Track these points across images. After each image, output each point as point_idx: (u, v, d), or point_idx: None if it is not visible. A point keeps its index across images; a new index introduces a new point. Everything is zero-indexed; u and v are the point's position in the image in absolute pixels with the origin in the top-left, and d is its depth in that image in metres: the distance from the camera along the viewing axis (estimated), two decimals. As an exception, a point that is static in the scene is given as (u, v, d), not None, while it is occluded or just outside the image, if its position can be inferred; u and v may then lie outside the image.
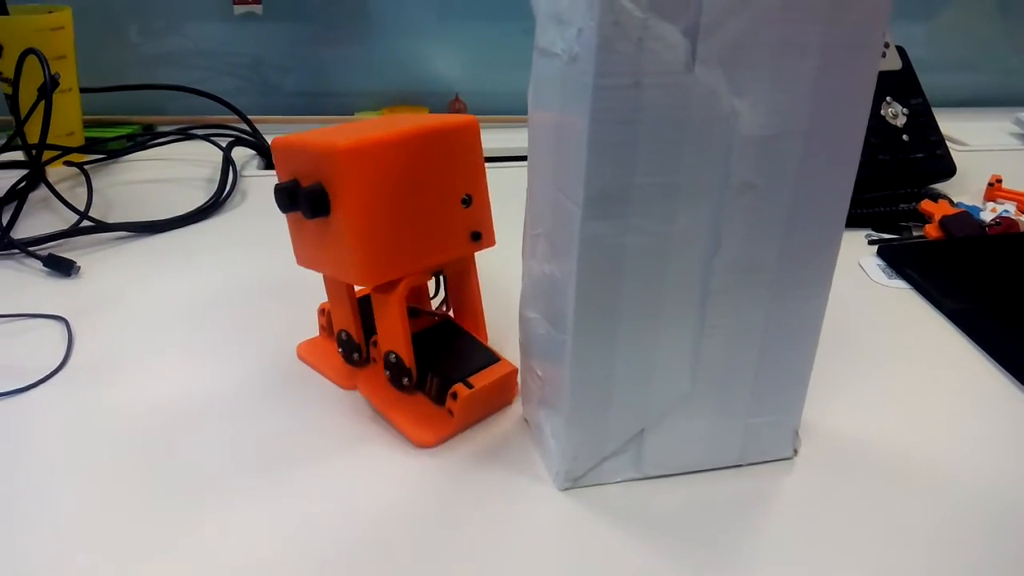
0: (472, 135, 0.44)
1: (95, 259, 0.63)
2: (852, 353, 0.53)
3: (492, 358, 0.45)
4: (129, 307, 0.56)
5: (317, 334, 0.53)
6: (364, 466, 0.42)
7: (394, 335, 0.44)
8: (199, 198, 0.73)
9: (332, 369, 0.49)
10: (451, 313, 0.50)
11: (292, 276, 0.61)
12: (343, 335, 0.48)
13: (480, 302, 0.49)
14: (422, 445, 0.43)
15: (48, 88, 0.61)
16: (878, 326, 0.57)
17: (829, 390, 0.49)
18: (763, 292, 0.38)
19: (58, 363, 0.50)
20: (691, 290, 0.37)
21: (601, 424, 0.39)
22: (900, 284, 0.62)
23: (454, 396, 0.43)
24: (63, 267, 0.60)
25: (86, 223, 0.66)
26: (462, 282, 0.49)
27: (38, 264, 0.60)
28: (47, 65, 0.63)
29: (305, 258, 0.47)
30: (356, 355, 0.48)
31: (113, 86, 0.87)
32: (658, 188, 0.34)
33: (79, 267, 0.60)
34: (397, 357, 0.44)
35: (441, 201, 0.44)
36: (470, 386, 0.43)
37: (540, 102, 0.37)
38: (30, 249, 0.62)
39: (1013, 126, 0.98)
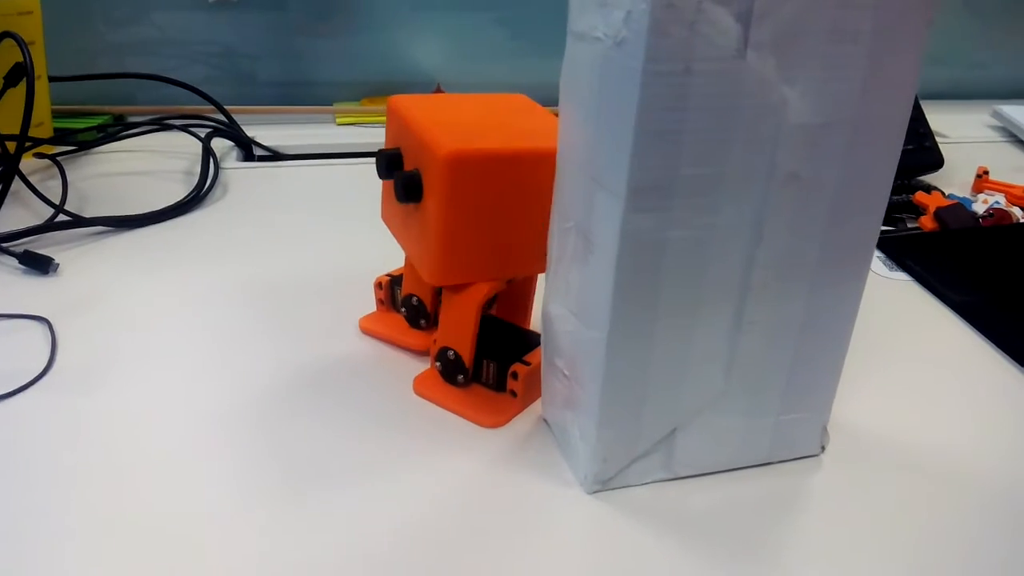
0: None
1: (73, 255, 0.59)
2: (864, 347, 0.52)
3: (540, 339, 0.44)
4: (114, 306, 0.53)
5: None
6: (380, 480, 0.40)
7: (461, 335, 0.44)
8: (178, 191, 0.70)
9: (403, 335, 0.49)
10: (492, 310, 0.50)
11: (283, 271, 0.58)
12: (414, 300, 0.48)
13: (532, 302, 0.50)
14: (490, 427, 0.44)
15: (29, 74, 0.58)
16: (885, 319, 0.56)
17: (846, 384, 0.48)
18: (802, 286, 0.37)
19: (43, 367, 0.47)
20: (731, 285, 0.36)
21: (633, 425, 0.38)
22: (902, 276, 0.62)
23: (514, 376, 0.44)
24: (40, 264, 0.57)
25: (62, 218, 0.62)
26: (522, 285, 0.49)
27: (13, 261, 0.57)
28: (27, 49, 0.60)
29: (390, 221, 0.48)
30: (423, 321, 0.49)
31: (83, 75, 0.83)
32: (704, 179, 0.33)
33: (57, 264, 0.57)
34: (456, 355, 0.44)
35: (530, 218, 0.42)
36: (527, 364, 0.44)
37: (574, 88, 0.35)
38: (4, 245, 0.58)
39: (991, 119, 0.99)
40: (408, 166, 0.44)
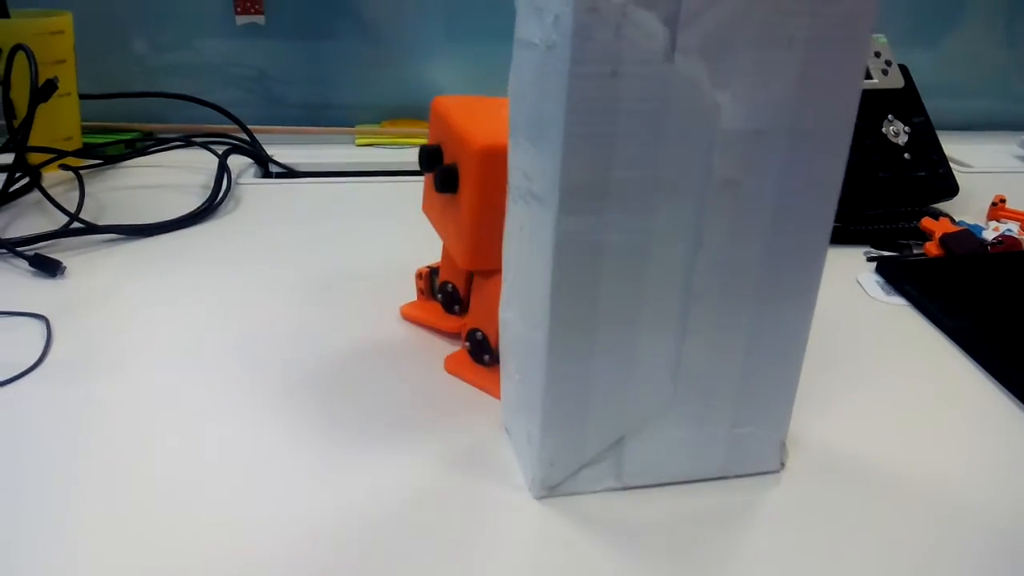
0: None
1: (82, 261, 0.62)
2: (846, 367, 0.52)
3: None
4: (112, 307, 0.56)
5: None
6: (327, 474, 0.41)
7: (488, 317, 0.47)
8: (193, 204, 0.73)
9: (438, 319, 0.53)
10: None
11: (281, 281, 0.60)
12: (449, 287, 0.52)
13: None
14: None
15: (33, 85, 0.61)
16: (874, 341, 0.55)
17: (823, 404, 0.48)
18: (747, 295, 0.37)
19: (35, 360, 0.49)
20: (672, 291, 0.36)
21: (579, 429, 0.38)
22: (898, 300, 0.61)
23: None
24: (49, 267, 0.59)
25: (76, 225, 0.65)
26: None
27: (24, 264, 0.60)
28: (34, 63, 0.63)
29: (430, 211, 0.52)
30: (457, 307, 0.52)
31: (112, 93, 0.87)
32: (636, 182, 0.33)
33: (65, 267, 0.60)
34: (484, 335, 0.48)
35: None
36: None
37: (518, 95, 0.36)
38: (18, 249, 0.61)
39: (1019, 149, 0.97)
40: (448, 160, 0.47)
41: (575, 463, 0.39)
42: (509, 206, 0.39)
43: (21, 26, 0.73)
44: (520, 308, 0.39)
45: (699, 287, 0.36)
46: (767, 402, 0.40)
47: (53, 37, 0.74)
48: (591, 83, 0.31)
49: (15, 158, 0.66)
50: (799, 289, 0.37)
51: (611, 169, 0.33)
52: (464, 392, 0.48)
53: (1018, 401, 0.49)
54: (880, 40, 0.81)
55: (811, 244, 0.37)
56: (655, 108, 0.32)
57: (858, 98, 0.34)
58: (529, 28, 0.34)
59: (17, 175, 0.68)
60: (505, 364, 0.42)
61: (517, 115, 0.37)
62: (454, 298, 0.52)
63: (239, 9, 0.92)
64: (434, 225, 0.52)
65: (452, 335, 0.53)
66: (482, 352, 0.48)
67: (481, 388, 0.48)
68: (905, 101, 0.79)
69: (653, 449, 0.39)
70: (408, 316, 0.55)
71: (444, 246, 0.52)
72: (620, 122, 0.32)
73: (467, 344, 0.49)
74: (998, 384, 0.51)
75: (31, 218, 0.69)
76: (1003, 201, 0.76)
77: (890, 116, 0.78)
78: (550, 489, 0.39)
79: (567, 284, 0.35)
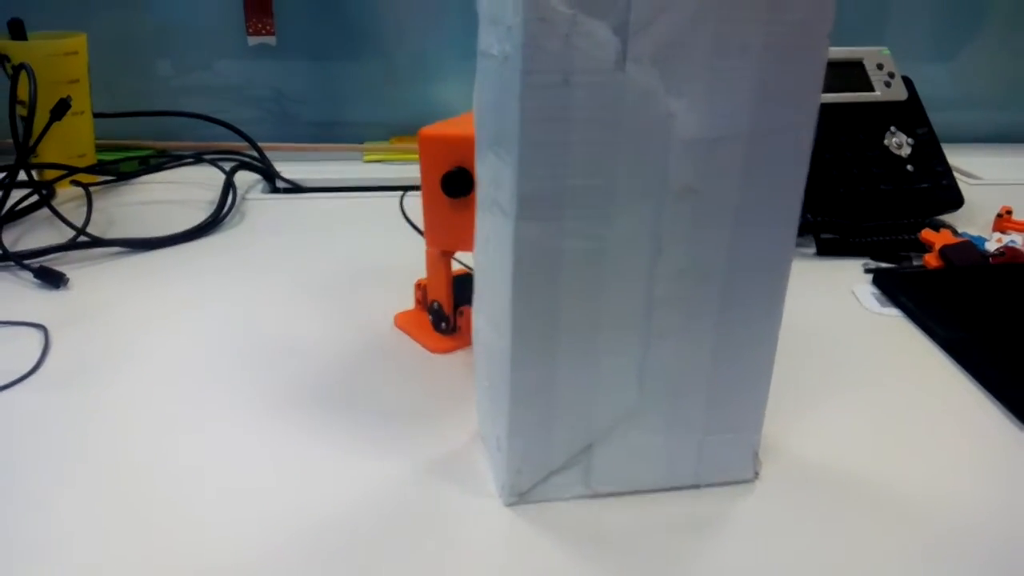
0: None
1: (87, 273, 0.64)
2: (832, 378, 0.51)
3: None
4: (111, 318, 0.57)
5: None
6: (304, 473, 0.42)
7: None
8: (200, 219, 0.74)
9: (424, 335, 0.55)
10: None
11: (278, 292, 0.61)
12: (435, 305, 0.54)
13: None
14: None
15: (32, 103, 0.63)
16: (864, 353, 0.55)
17: (805, 415, 0.47)
18: (711, 301, 0.37)
19: (29, 368, 0.50)
20: (634, 297, 0.36)
21: (545, 435, 0.38)
22: (893, 312, 0.60)
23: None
24: (53, 279, 0.61)
25: (82, 239, 0.67)
26: None
27: (29, 276, 0.62)
28: (34, 82, 0.65)
29: (445, 241, 0.52)
30: (444, 324, 0.54)
31: (126, 112, 0.89)
32: (593, 190, 0.34)
33: (68, 279, 0.61)
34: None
35: None
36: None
37: (482, 107, 0.37)
38: (24, 262, 0.63)
39: (1032, 161, 0.96)
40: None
41: (543, 469, 0.39)
42: (478, 216, 0.40)
43: (36, 47, 0.76)
44: (488, 315, 0.39)
45: (661, 293, 0.36)
46: (738, 410, 0.40)
47: (67, 58, 0.77)
48: (543, 92, 0.32)
49: (8, 177, 0.68)
50: (765, 295, 0.37)
51: (567, 177, 0.33)
52: (445, 400, 0.48)
53: (1009, 412, 0.48)
54: (883, 52, 0.80)
55: (775, 251, 0.37)
56: (609, 116, 0.32)
57: (817, 104, 0.34)
58: (488, 40, 0.35)
59: (28, 191, 0.70)
60: (477, 371, 0.43)
61: (482, 126, 0.37)
62: (440, 316, 0.54)
63: (251, 30, 0.94)
64: (458, 247, 0.52)
65: (434, 353, 0.53)
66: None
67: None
68: (908, 113, 0.79)
69: (622, 456, 0.39)
70: (400, 326, 0.56)
71: (431, 264, 0.53)
72: (574, 130, 0.32)
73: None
74: (990, 396, 0.50)
75: (41, 232, 0.70)
76: (1009, 212, 0.75)
77: (892, 128, 0.77)
78: (520, 496, 0.40)
79: (528, 290, 0.35)
